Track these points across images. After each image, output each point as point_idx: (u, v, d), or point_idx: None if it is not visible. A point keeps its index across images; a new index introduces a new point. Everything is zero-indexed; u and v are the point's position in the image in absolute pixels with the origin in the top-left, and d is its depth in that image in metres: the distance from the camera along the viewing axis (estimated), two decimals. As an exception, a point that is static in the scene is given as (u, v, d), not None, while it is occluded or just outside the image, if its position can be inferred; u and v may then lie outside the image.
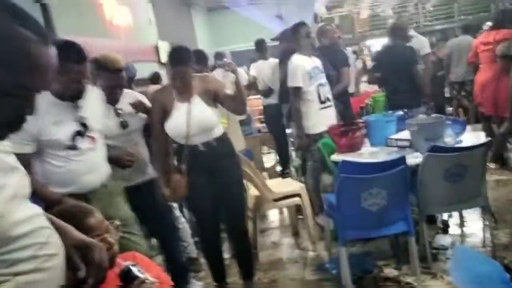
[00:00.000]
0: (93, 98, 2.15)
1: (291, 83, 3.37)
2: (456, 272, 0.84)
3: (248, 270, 2.74)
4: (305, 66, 3.36)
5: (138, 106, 2.48)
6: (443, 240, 3.05)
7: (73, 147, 2.00)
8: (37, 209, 1.01)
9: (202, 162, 2.50)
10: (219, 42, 12.83)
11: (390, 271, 2.76)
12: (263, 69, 5.30)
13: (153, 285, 1.27)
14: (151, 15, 9.08)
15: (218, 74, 4.05)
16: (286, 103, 3.93)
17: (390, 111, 3.63)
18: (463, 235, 3.07)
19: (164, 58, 8.52)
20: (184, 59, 2.42)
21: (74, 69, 1.96)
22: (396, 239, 2.88)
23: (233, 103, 2.54)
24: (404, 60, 3.95)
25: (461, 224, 3.19)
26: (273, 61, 5.41)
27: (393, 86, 4.02)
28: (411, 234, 2.52)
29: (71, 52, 1.96)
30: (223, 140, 2.57)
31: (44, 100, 1.99)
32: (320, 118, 3.39)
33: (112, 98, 2.38)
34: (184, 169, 2.51)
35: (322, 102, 3.41)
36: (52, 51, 0.86)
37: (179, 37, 10.28)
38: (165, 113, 2.49)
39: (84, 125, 2.04)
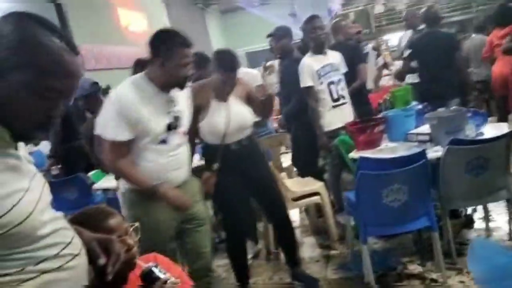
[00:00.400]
0: (182, 94, 2.18)
1: (302, 83, 3.40)
2: (473, 264, 0.83)
3: (295, 257, 2.82)
4: (312, 66, 3.37)
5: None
6: (467, 234, 2.99)
7: (164, 141, 2.05)
8: (59, 213, 1.07)
9: (234, 161, 2.54)
10: (234, 44, 12.84)
11: (414, 268, 2.72)
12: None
13: (176, 285, 1.28)
14: (166, 20, 9.17)
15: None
16: (286, 103, 3.79)
17: (420, 104, 3.59)
18: (488, 229, 3.00)
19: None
20: (237, 65, 2.50)
21: (183, 52, 2.01)
22: (419, 235, 2.84)
23: (261, 107, 2.63)
24: (447, 46, 3.81)
25: (486, 218, 3.11)
26: None
27: (432, 74, 3.84)
28: (435, 229, 2.48)
29: (178, 37, 2.03)
30: (251, 138, 2.65)
31: (146, 90, 2.03)
32: (334, 115, 3.38)
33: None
34: (215, 167, 2.52)
35: (335, 100, 3.39)
36: (80, 61, 0.97)
37: (194, 40, 10.33)
38: (199, 111, 2.50)
39: (176, 119, 2.10)
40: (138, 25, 7.71)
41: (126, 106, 1.97)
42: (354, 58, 3.82)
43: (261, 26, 11.10)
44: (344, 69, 3.52)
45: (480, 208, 3.19)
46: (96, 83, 3.56)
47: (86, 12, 6.09)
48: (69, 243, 1.01)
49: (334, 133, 3.32)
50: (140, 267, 1.30)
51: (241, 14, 13.38)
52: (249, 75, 3.85)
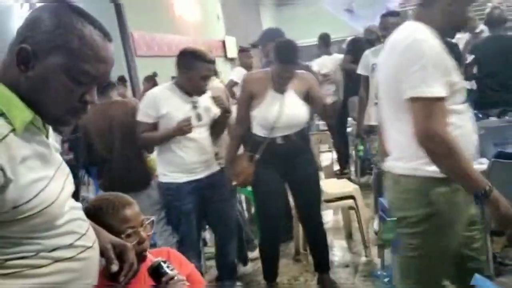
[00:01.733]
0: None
1: (358, 70, 3.49)
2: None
3: (324, 263, 2.73)
4: (368, 57, 3.38)
5: (218, 101, 2.49)
6: (510, 253, 2.78)
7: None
8: (77, 204, 1.08)
9: (278, 156, 2.50)
10: (287, 36, 12.67)
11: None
12: (327, 65, 5.18)
13: (182, 284, 1.27)
14: (219, 11, 9.23)
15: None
16: (350, 96, 3.89)
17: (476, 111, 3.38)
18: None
19: (230, 53, 8.70)
20: (296, 57, 2.45)
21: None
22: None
23: (322, 108, 2.56)
24: None
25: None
26: (337, 56, 5.27)
27: (500, 81, 3.57)
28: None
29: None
30: (302, 135, 2.57)
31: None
32: (375, 112, 3.27)
33: (202, 90, 2.43)
34: (255, 158, 2.50)
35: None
36: (113, 47, 0.98)
37: (246, 32, 10.38)
38: (253, 99, 2.49)
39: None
40: (191, 15, 7.82)
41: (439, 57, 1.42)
42: None
43: (317, 21, 10.95)
44: None
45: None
46: None
47: (141, 1, 6.24)
48: (84, 234, 1.02)
49: (371, 128, 3.22)
50: (150, 261, 1.30)
51: (297, 8, 13.21)
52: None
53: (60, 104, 0.94)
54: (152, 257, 1.31)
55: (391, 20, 3.26)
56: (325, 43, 5.33)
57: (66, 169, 1.05)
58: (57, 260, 0.95)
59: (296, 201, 2.73)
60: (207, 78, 2.40)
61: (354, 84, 3.85)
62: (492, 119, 2.79)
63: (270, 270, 2.72)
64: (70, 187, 1.05)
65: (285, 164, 2.51)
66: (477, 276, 0.79)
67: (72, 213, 1.02)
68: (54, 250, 0.95)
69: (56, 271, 0.95)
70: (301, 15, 12.79)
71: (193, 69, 2.34)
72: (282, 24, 13.77)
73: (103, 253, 1.08)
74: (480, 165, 2.41)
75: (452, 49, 3.57)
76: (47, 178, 0.94)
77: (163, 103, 2.39)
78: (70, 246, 0.98)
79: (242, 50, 4.91)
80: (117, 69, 4.88)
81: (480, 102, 3.60)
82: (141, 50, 5.86)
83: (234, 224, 2.71)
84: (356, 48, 4.57)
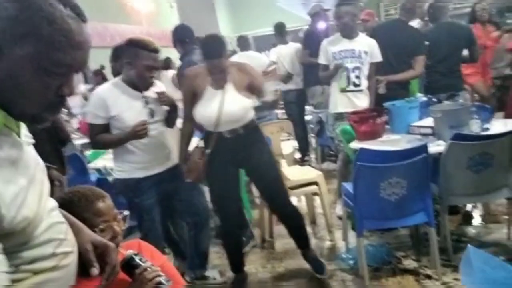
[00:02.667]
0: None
1: (318, 59, 3.43)
2: (467, 276, 0.77)
3: (304, 240, 2.73)
4: (330, 47, 3.32)
5: (163, 98, 2.41)
6: (465, 231, 2.93)
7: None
8: (53, 203, 0.98)
9: (228, 149, 2.46)
10: (241, 27, 12.67)
11: (409, 263, 2.67)
12: (283, 54, 5.20)
13: (156, 273, 1.23)
14: (172, 0, 9.04)
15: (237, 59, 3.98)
16: (309, 86, 3.88)
17: (427, 95, 3.52)
18: (487, 227, 2.94)
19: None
20: (221, 51, 2.38)
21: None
22: (416, 230, 2.78)
23: (262, 98, 2.56)
24: (464, 39, 3.70)
25: (486, 216, 3.06)
26: (293, 45, 5.30)
27: (446, 67, 3.68)
28: (432, 225, 2.43)
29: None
30: (251, 127, 2.51)
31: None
32: (341, 100, 3.29)
33: (148, 82, 2.32)
34: (205, 153, 2.47)
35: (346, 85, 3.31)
36: (89, 30, 0.85)
37: (201, 21, 10.23)
38: (195, 97, 2.44)
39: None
40: (143, 4, 7.61)
41: None
42: (419, 46, 3.55)
43: (271, 11, 10.95)
44: (373, 59, 3.30)
45: (480, 205, 3.13)
46: None
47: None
48: (64, 239, 0.94)
49: (339, 116, 3.26)
50: (122, 255, 1.26)
51: (251, -2, 13.16)
52: (254, 60, 3.77)
53: (34, 101, 0.81)
54: (123, 251, 1.27)
55: (344, 9, 3.25)
56: (280, 33, 5.35)
57: (41, 164, 0.94)
58: (37, 272, 0.86)
59: (259, 189, 2.72)
60: (153, 68, 2.28)
61: (313, 74, 3.87)
62: (446, 102, 2.91)
63: (236, 260, 2.71)
64: (47, 185, 0.95)
65: (238, 155, 2.49)
66: (470, 246, 0.81)
67: (50, 217, 0.92)
68: (33, 262, 0.85)
69: (38, 283, 0.86)
70: (255, 5, 12.76)
71: (137, 59, 2.24)
72: (237, 13, 13.76)
73: (82, 254, 1.00)
74: (438, 146, 2.51)
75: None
76: (24, 188, 0.83)
77: (112, 104, 2.27)
78: (51, 255, 0.89)
79: None
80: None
81: (430, 87, 3.76)
82: (93, 40, 5.62)
83: (205, 212, 2.66)
84: (311, 41, 4.61)
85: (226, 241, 2.71)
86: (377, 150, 2.48)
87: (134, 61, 2.25)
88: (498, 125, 2.73)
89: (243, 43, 5.10)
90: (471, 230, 2.99)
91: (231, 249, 2.70)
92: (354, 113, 3.06)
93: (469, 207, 3.22)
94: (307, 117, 5.22)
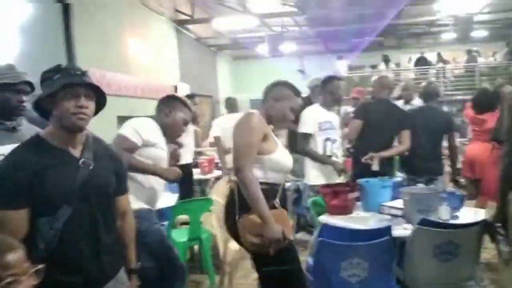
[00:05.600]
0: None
1: (302, 129, 3.41)
2: None
3: None
4: (318, 116, 3.40)
5: (174, 155, 2.69)
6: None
7: None
8: None
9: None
10: (240, 89, 13.01)
11: None
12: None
13: None
14: (176, 57, 9.33)
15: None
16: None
17: (408, 175, 3.56)
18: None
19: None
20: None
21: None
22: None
23: None
24: (443, 124, 3.78)
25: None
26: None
27: (425, 151, 3.69)
28: (393, 313, 2.30)
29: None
30: None
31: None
32: (321, 171, 3.34)
33: (179, 134, 2.61)
34: (278, 204, 2.14)
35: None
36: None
37: (202, 81, 10.51)
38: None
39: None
40: (145, 57, 7.83)
41: None
42: (404, 122, 3.61)
43: (269, 77, 11.29)
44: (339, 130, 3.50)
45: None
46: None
47: (95, 39, 6.21)
48: None
49: (315, 187, 3.24)
50: None
51: (252, 63, 13.66)
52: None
53: None
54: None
55: (335, 84, 3.43)
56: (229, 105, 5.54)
57: None
58: None
59: None
60: (187, 124, 2.59)
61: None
62: (419, 185, 2.88)
63: None
64: None
65: None
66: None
67: None
68: None
69: None
70: (255, 70, 13.22)
71: (179, 112, 2.53)
72: (237, 75, 14.20)
73: None
74: (405, 230, 2.45)
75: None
76: None
77: (154, 134, 2.46)
78: None
79: (187, 96, 4.94)
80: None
81: (409, 170, 3.78)
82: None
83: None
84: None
85: None
86: (340, 227, 2.41)
87: (176, 114, 2.53)
88: (469, 214, 2.68)
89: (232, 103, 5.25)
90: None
91: None
92: (327, 185, 3.03)
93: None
94: (286, 184, 5.16)
